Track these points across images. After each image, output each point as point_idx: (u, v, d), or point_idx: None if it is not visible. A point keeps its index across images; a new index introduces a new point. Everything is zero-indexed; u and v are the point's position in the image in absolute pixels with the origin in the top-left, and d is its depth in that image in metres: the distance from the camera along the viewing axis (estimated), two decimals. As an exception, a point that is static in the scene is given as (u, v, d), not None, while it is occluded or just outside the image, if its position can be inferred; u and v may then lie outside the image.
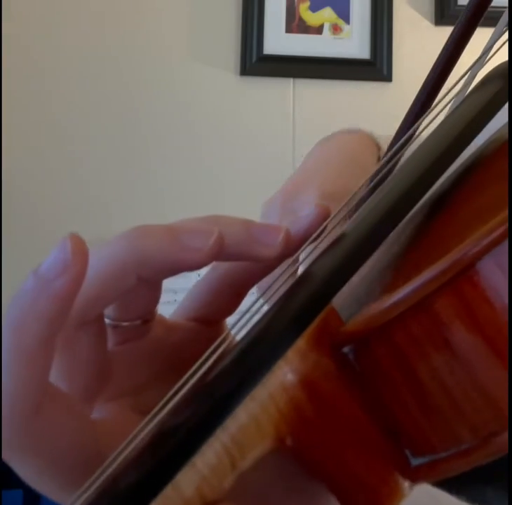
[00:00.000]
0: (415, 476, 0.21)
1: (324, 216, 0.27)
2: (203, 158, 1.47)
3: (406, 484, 0.21)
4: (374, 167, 0.31)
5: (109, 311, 0.26)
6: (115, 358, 0.27)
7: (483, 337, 0.18)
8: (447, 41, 0.43)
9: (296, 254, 0.27)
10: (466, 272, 0.18)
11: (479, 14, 0.41)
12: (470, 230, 0.18)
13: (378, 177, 0.31)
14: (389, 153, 0.31)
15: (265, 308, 0.24)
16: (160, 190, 1.45)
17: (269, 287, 0.26)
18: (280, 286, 0.26)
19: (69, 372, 0.25)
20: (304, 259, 0.27)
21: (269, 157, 1.48)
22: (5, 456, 0.22)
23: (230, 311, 0.29)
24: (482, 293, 0.18)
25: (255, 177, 1.45)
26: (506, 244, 0.17)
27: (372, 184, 0.31)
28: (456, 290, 0.18)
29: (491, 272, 0.18)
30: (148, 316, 0.27)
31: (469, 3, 0.42)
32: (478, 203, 0.23)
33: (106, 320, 0.26)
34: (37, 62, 1.45)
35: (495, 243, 0.17)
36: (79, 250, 0.21)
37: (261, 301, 0.25)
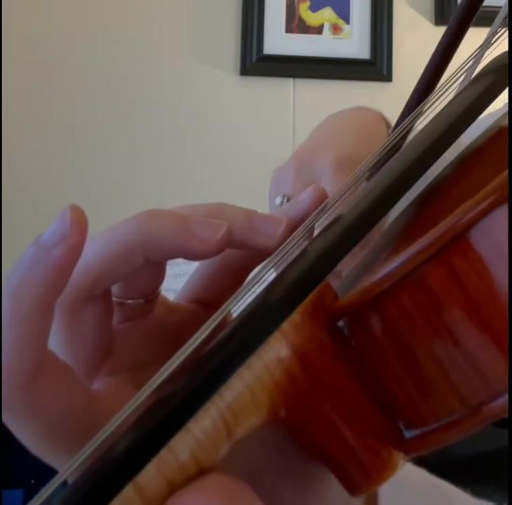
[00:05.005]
0: (408, 448, 0.22)
1: (321, 199, 0.28)
2: (202, 158, 1.47)
3: (400, 456, 0.22)
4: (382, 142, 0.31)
5: (113, 289, 0.27)
6: (117, 335, 0.28)
7: (472, 307, 0.18)
8: (445, 33, 0.43)
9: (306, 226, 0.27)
10: (454, 243, 0.18)
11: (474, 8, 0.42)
12: (458, 205, 0.18)
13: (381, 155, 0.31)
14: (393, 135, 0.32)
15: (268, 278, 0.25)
16: (160, 189, 1.45)
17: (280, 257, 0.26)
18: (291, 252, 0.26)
19: (74, 344, 0.26)
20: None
21: (269, 157, 1.48)
22: (4, 416, 0.22)
23: (230, 294, 0.30)
24: (471, 264, 0.18)
25: (255, 176, 1.45)
26: (493, 216, 0.18)
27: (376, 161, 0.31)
28: (444, 261, 0.19)
29: (479, 243, 0.18)
30: (151, 296, 0.28)
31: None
32: (467, 185, 0.23)
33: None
34: (36, 61, 1.46)
35: (482, 215, 0.18)
36: (78, 220, 0.22)
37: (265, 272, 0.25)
